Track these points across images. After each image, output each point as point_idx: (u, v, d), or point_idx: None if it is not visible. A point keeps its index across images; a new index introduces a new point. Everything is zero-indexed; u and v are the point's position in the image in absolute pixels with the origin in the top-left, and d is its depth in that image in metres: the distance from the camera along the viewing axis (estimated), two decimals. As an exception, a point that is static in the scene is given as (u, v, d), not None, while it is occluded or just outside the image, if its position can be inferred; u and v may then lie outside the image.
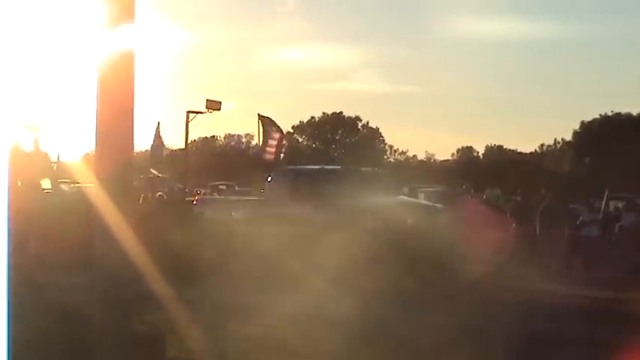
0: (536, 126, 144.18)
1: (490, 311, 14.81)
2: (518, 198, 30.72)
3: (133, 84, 10.15)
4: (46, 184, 23.58)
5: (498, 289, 18.66)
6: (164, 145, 38.17)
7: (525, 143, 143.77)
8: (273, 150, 33.70)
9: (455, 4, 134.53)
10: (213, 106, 33.80)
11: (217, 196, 40.40)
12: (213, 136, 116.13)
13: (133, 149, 10.61)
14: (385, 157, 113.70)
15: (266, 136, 34.02)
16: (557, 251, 25.05)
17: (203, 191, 43.69)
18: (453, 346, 11.68)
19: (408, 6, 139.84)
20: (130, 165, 10.44)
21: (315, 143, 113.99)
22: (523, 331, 12.55)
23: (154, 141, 36.46)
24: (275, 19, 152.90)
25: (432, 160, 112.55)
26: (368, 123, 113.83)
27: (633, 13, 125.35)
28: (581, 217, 26.77)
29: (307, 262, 18.89)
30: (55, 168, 25.03)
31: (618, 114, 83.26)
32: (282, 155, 33.78)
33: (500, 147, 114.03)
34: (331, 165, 31.52)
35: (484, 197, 33.80)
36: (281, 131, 34.84)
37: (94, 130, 10.07)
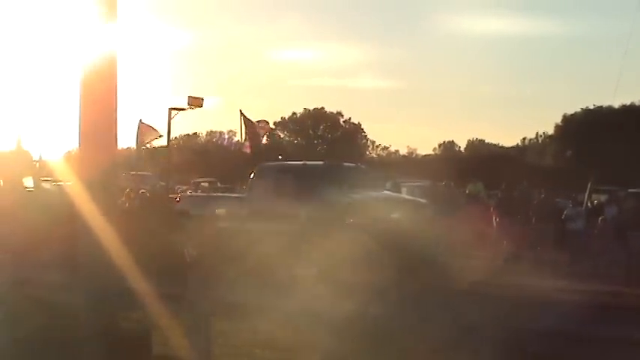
0: (518, 120, 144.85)
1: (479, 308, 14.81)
2: (499, 193, 30.76)
3: (116, 83, 10.11)
4: (28, 182, 23.49)
5: (485, 284, 18.67)
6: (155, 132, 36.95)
7: (507, 137, 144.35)
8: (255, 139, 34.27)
9: (438, 1, 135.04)
10: (195, 102, 33.61)
11: (200, 193, 40.25)
12: (195, 133, 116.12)
13: (116, 147, 10.57)
14: (367, 152, 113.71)
15: (248, 130, 34.40)
16: (543, 245, 25.14)
17: (183, 188, 43.53)
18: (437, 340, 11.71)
19: (390, 3, 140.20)
20: (113, 163, 10.41)
21: (297, 139, 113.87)
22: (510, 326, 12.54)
23: (144, 135, 35.84)
24: (256, 17, 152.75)
25: (414, 155, 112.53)
26: (350, 119, 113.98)
27: (614, 7, 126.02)
28: (566, 211, 26.78)
29: (294, 259, 18.84)
30: (37, 166, 24.95)
31: (600, 107, 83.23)
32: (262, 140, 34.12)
33: (481, 141, 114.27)
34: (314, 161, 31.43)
35: (466, 192, 33.80)
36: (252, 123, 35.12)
37: (78, 129, 10.03)
